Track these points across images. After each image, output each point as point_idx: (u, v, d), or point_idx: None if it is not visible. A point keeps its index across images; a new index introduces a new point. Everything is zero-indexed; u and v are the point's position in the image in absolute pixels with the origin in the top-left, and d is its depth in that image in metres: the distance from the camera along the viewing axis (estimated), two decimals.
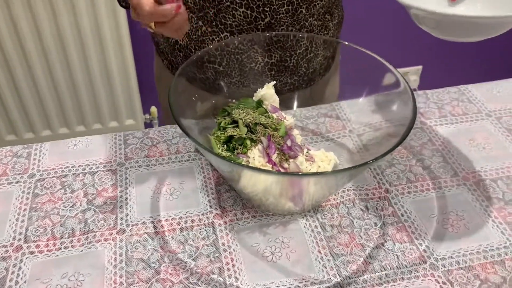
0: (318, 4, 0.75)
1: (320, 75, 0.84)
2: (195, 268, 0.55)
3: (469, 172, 0.68)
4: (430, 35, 0.59)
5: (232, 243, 0.58)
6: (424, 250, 0.57)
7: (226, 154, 0.60)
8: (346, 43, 0.67)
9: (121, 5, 0.70)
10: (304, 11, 0.73)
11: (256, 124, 0.61)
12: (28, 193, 0.63)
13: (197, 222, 0.60)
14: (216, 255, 0.56)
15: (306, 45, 0.74)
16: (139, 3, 0.53)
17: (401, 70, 2.01)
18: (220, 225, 0.60)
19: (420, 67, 2.02)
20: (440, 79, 2.11)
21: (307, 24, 0.76)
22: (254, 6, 0.70)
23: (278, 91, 0.79)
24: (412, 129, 0.55)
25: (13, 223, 0.60)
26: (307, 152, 0.63)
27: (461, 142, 0.73)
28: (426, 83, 2.08)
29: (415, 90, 2.09)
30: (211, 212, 0.61)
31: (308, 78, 0.81)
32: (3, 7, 1.32)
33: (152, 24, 0.56)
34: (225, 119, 0.64)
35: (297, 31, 0.75)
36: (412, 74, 2.02)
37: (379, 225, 0.60)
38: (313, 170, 0.61)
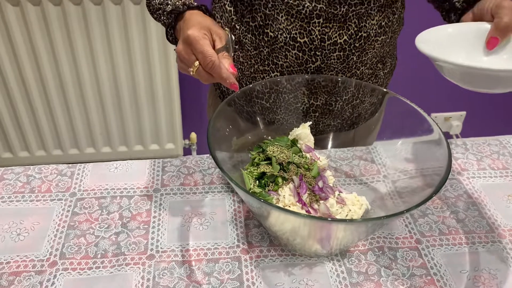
0: (370, 52, 0.75)
1: (364, 119, 0.84)
2: None
3: (505, 229, 0.66)
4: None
5: (256, 280, 0.58)
6: None
7: (257, 189, 0.61)
8: (385, 89, 0.68)
9: (168, 39, 0.73)
10: (355, 58, 0.74)
11: (289, 163, 0.63)
12: (68, 211, 0.67)
13: (223, 254, 0.61)
14: None
15: (353, 91, 0.75)
16: (203, 52, 0.59)
17: (444, 114, 1.97)
18: (246, 260, 0.60)
19: (464, 112, 1.98)
20: (483, 125, 2.05)
21: (358, 72, 0.77)
22: (306, 49, 0.72)
23: (320, 132, 0.80)
24: (447, 180, 0.54)
25: (51, 238, 0.63)
26: (338, 194, 0.63)
27: (499, 197, 0.71)
28: (469, 129, 2.04)
29: (457, 136, 2.04)
30: (238, 246, 0.62)
31: (351, 122, 0.82)
32: (64, 36, 1.41)
33: (194, 69, 0.60)
34: (259, 155, 0.65)
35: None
36: (455, 119, 1.98)
37: (406, 276, 0.59)
38: (344, 213, 0.61)
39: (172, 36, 0.71)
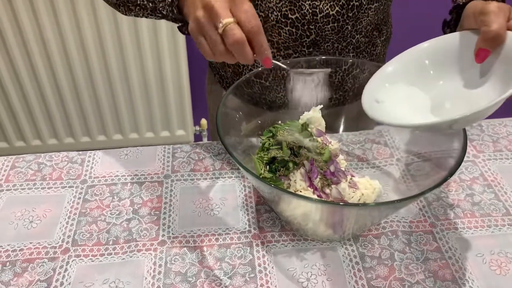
0: (364, 20, 0.75)
1: None
2: (230, 286, 0.55)
3: None
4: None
5: (268, 265, 0.58)
6: None
7: (268, 175, 0.60)
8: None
9: (182, 31, 0.69)
10: (350, 27, 0.74)
11: (300, 147, 0.62)
12: (79, 198, 0.67)
13: (235, 240, 0.61)
14: (252, 275, 0.56)
15: (352, 61, 0.74)
16: (249, 11, 0.52)
17: None
18: (257, 245, 0.60)
19: None
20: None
21: (354, 41, 0.76)
22: (299, 25, 0.71)
23: (323, 106, 0.79)
24: (462, 162, 0.53)
25: (63, 225, 0.63)
26: (350, 178, 0.62)
27: None
28: None
29: None
30: (249, 231, 0.62)
31: (354, 93, 0.81)
32: (72, 22, 1.41)
33: (225, 26, 0.52)
34: (269, 140, 0.64)
35: (343, 47, 0.76)
36: None
37: (421, 260, 0.58)
38: (356, 197, 0.61)
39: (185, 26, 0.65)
